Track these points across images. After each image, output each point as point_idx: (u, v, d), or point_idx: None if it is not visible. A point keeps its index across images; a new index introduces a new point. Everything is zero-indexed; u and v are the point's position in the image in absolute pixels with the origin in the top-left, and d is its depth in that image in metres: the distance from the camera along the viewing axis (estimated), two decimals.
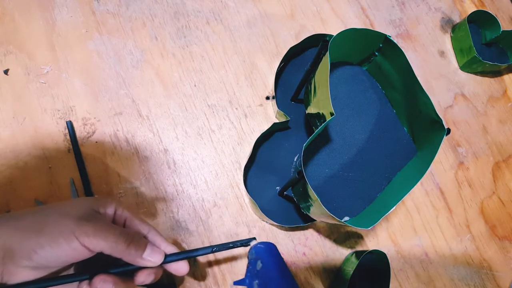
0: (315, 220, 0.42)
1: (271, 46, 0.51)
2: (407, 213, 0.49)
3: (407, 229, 0.48)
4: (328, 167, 0.45)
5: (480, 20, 0.56)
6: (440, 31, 0.57)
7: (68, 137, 0.44)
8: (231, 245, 0.34)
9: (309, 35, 0.44)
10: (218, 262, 0.43)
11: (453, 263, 0.48)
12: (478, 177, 0.52)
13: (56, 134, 0.44)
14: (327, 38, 0.42)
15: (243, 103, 0.49)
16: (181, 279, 0.42)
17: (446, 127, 0.37)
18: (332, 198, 0.44)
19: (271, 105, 0.49)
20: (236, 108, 0.48)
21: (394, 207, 0.37)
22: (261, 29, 0.52)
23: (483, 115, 0.55)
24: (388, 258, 0.41)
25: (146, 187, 0.44)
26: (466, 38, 0.53)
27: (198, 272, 0.42)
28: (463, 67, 0.55)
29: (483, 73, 0.56)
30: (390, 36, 0.41)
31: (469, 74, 0.56)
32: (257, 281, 0.38)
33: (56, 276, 0.28)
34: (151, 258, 0.30)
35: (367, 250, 0.42)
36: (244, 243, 0.34)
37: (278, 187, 0.45)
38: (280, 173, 0.46)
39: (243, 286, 0.40)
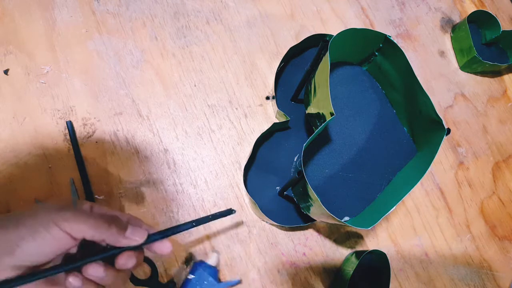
0: (315, 220, 0.42)
1: (271, 46, 0.51)
2: (407, 213, 0.49)
3: (407, 229, 0.48)
4: (328, 167, 0.45)
5: (480, 20, 0.56)
6: (440, 31, 0.57)
7: (68, 137, 0.44)
8: (210, 217, 0.33)
9: (309, 35, 0.44)
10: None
11: (453, 263, 0.48)
12: (478, 177, 0.52)
13: (56, 134, 0.44)
14: (327, 38, 0.42)
15: (243, 103, 0.49)
16: (181, 279, 0.42)
17: (446, 127, 0.37)
18: (332, 198, 0.44)
19: (271, 105, 0.49)
20: (236, 108, 0.48)
21: (394, 207, 0.37)
22: (261, 29, 0.52)
23: (483, 115, 0.55)
24: (388, 258, 0.41)
25: (146, 187, 0.44)
26: (466, 38, 0.53)
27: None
28: (463, 67, 0.55)
29: (483, 73, 0.56)
30: (390, 36, 0.41)
31: (469, 74, 0.56)
32: None
33: (42, 270, 0.26)
34: (134, 236, 0.29)
35: (367, 250, 0.42)
36: (224, 214, 0.33)
37: (278, 187, 0.45)
38: (280, 173, 0.46)
39: None
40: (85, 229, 0.27)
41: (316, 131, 0.37)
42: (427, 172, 0.37)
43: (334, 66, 0.48)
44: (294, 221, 0.44)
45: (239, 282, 0.43)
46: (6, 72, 0.45)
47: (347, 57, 0.47)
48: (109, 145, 0.45)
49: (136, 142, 0.46)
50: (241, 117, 0.48)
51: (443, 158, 0.52)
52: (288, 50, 0.44)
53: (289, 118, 0.45)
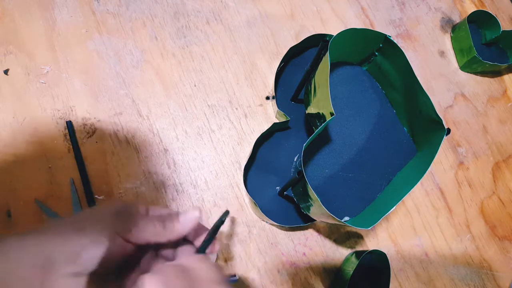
0: (315, 220, 0.42)
1: (271, 46, 0.51)
2: (407, 213, 0.49)
3: (407, 229, 0.48)
4: (328, 167, 0.45)
5: (480, 20, 0.56)
6: (440, 31, 0.57)
7: (68, 137, 0.44)
8: (213, 230, 0.32)
9: (309, 35, 0.44)
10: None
11: (453, 263, 0.48)
12: (478, 177, 0.52)
13: (56, 134, 0.44)
14: (327, 38, 0.42)
15: (243, 103, 0.49)
16: None
17: (446, 127, 0.37)
18: (332, 198, 0.44)
19: (271, 105, 0.49)
20: (236, 108, 0.48)
21: (394, 207, 0.37)
22: (261, 29, 0.52)
23: (483, 115, 0.55)
24: (388, 258, 0.41)
25: (146, 187, 0.44)
26: (466, 38, 0.53)
27: None
28: (463, 67, 0.55)
29: (483, 73, 0.56)
30: (390, 36, 0.41)
31: (469, 74, 0.56)
32: None
33: None
34: (188, 216, 0.29)
35: (367, 250, 0.42)
36: (223, 220, 0.32)
37: (278, 187, 0.45)
38: (280, 173, 0.46)
39: None
40: (149, 237, 0.27)
41: (316, 131, 0.37)
42: (427, 172, 0.37)
43: (334, 66, 0.48)
44: (294, 221, 0.44)
45: (237, 280, 0.43)
46: (6, 72, 0.45)
47: (347, 57, 0.47)
48: (109, 145, 0.45)
49: (136, 142, 0.46)
50: (241, 117, 0.48)
51: (443, 158, 0.52)
52: (288, 50, 0.44)
53: (289, 118, 0.45)
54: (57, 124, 0.45)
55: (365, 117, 0.47)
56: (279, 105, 0.46)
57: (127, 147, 0.45)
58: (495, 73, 0.57)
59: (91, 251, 0.25)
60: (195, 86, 0.48)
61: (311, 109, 0.42)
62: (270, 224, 0.45)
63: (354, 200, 0.44)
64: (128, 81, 0.47)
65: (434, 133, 0.39)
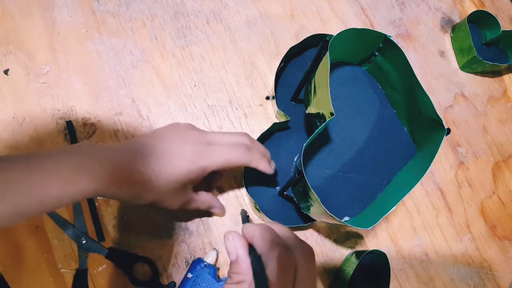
0: (315, 220, 0.42)
1: (271, 46, 0.51)
2: (407, 213, 0.49)
3: (407, 229, 0.48)
4: (328, 167, 0.45)
5: (480, 20, 0.56)
6: (440, 31, 0.57)
7: (68, 137, 0.44)
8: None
9: (309, 35, 0.44)
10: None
11: (453, 263, 0.48)
12: (478, 177, 0.52)
13: (56, 134, 0.44)
14: (327, 38, 0.42)
15: (243, 103, 0.49)
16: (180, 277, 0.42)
17: (446, 127, 0.37)
18: (332, 198, 0.44)
19: (271, 105, 0.49)
20: (236, 108, 0.48)
21: (394, 207, 0.37)
22: (261, 29, 0.52)
23: (483, 115, 0.54)
24: (388, 258, 0.41)
25: None
26: (466, 38, 0.53)
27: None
28: (463, 67, 0.55)
29: (483, 73, 0.56)
30: (390, 36, 0.41)
31: (469, 74, 0.56)
32: None
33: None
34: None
35: (367, 250, 0.42)
36: (246, 218, 0.35)
37: (278, 187, 0.45)
38: (280, 173, 0.46)
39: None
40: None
41: (316, 131, 0.37)
42: (427, 172, 0.37)
43: (334, 66, 0.48)
44: (294, 221, 0.44)
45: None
46: (6, 72, 0.45)
47: (347, 57, 0.47)
48: None
49: None
50: (241, 117, 0.48)
51: (443, 158, 0.52)
52: (288, 50, 0.44)
53: (289, 118, 0.45)
54: (57, 124, 0.45)
55: (365, 117, 0.47)
56: (279, 105, 0.46)
57: None
58: (495, 73, 0.57)
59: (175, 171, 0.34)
60: (195, 86, 0.48)
61: (311, 109, 0.42)
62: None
63: (354, 200, 0.44)
64: (128, 81, 0.47)
65: (434, 133, 0.39)
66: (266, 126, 0.48)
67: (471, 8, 0.58)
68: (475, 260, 0.49)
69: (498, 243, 0.50)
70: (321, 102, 0.38)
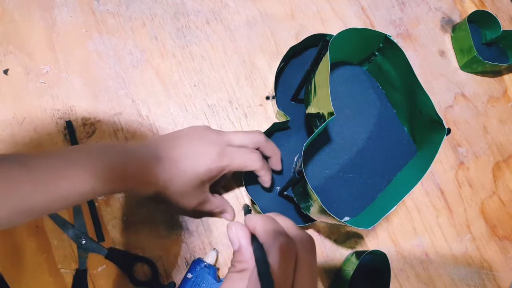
0: (315, 220, 0.42)
1: (271, 46, 0.51)
2: (407, 213, 0.49)
3: (407, 229, 0.48)
4: (328, 167, 0.45)
5: (480, 20, 0.56)
6: (440, 31, 0.57)
7: (68, 137, 0.44)
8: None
9: (309, 35, 0.44)
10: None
11: (453, 263, 0.48)
12: (479, 177, 0.52)
13: (56, 134, 0.44)
14: (327, 38, 0.42)
15: (243, 103, 0.49)
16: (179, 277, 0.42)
17: (446, 127, 0.37)
18: (332, 198, 0.44)
19: (271, 105, 0.49)
20: (236, 108, 0.48)
21: (394, 207, 0.37)
22: (261, 29, 0.52)
23: (483, 115, 0.54)
24: (388, 258, 0.41)
25: None
26: (466, 38, 0.53)
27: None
28: (463, 67, 0.55)
29: (483, 73, 0.56)
30: (390, 36, 0.41)
31: (469, 74, 0.56)
32: None
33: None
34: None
35: (367, 250, 0.42)
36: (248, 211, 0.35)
37: (278, 187, 0.45)
38: (280, 173, 0.45)
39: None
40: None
41: (316, 131, 0.37)
42: (427, 172, 0.37)
43: (334, 66, 0.48)
44: (294, 221, 0.44)
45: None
46: (6, 72, 0.45)
47: (347, 57, 0.47)
48: None
49: None
50: (241, 117, 0.48)
51: (443, 158, 0.52)
52: (288, 50, 0.44)
53: (289, 118, 0.44)
54: (57, 124, 0.45)
55: (365, 117, 0.47)
56: (279, 105, 0.46)
57: None
58: (496, 73, 0.57)
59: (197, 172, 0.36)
60: (195, 86, 0.48)
61: (311, 109, 0.42)
62: None
63: (354, 200, 0.44)
64: (128, 81, 0.47)
65: (434, 133, 0.39)
66: (266, 126, 0.48)
67: (471, 8, 0.58)
68: (475, 260, 0.49)
69: (498, 243, 0.50)
70: (321, 102, 0.38)
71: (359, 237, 0.47)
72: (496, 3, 0.60)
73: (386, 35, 0.41)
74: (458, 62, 0.56)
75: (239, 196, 0.46)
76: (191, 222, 0.44)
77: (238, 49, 0.50)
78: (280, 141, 0.46)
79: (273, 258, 0.23)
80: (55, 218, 0.42)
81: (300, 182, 0.38)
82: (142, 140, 0.46)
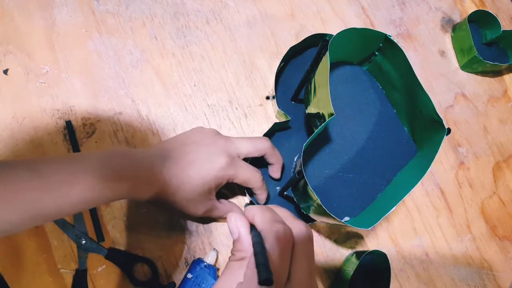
0: (315, 220, 0.42)
1: (271, 46, 0.51)
2: (408, 213, 0.49)
3: (408, 229, 0.48)
4: (328, 167, 0.45)
5: (481, 20, 0.56)
6: (440, 30, 0.57)
7: (67, 137, 0.44)
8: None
9: (309, 35, 0.44)
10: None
11: (453, 263, 0.48)
12: (479, 177, 0.52)
13: (55, 134, 0.44)
14: (327, 38, 0.42)
15: (243, 103, 0.49)
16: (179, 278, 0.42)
17: (446, 127, 0.37)
18: (332, 198, 0.44)
19: (271, 105, 0.49)
20: (236, 108, 0.48)
21: (394, 207, 0.37)
22: (261, 29, 0.51)
23: (483, 115, 0.54)
24: (389, 258, 0.41)
25: None
26: (466, 38, 0.53)
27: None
28: (464, 67, 0.55)
29: (483, 73, 0.56)
30: (390, 36, 0.41)
31: (470, 74, 0.56)
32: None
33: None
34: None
35: (367, 251, 0.42)
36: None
37: (278, 187, 0.45)
38: (280, 173, 0.45)
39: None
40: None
41: (316, 131, 0.37)
42: (427, 172, 0.37)
43: (334, 65, 0.48)
44: None
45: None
46: (5, 72, 0.45)
47: (347, 57, 0.47)
48: (108, 145, 0.45)
49: (136, 142, 0.45)
50: (241, 117, 0.48)
51: (444, 158, 0.52)
52: (288, 50, 0.44)
53: (289, 118, 0.44)
54: (57, 124, 0.45)
55: (365, 117, 0.47)
56: (279, 105, 0.46)
57: (126, 147, 0.45)
58: (496, 73, 0.56)
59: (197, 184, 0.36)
60: (195, 86, 0.48)
61: (311, 109, 0.42)
62: None
63: (354, 200, 0.44)
64: (127, 81, 0.47)
65: (434, 132, 0.39)
66: (266, 126, 0.48)
67: (471, 8, 0.58)
68: (475, 260, 0.49)
69: (498, 243, 0.50)
70: (321, 102, 0.38)
71: (359, 237, 0.47)
72: (496, 3, 0.60)
73: (386, 35, 0.41)
74: (459, 62, 0.56)
75: (239, 197, 0.46)
76: (191, 222, 0.44)
77: (238, 49, 0.50)
78: (281, 141, 0.46)
79: (270, 245, 0.24)
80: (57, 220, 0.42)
81: (300, 182, 0.38)
82: (142, 140, 0.46)
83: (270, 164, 0.43)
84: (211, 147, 0.37)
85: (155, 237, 0.43)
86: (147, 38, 0.49)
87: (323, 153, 0.45)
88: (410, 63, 0.39)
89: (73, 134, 0.44)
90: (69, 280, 0.41)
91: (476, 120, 0.54)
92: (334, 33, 0.39)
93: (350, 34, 0.40)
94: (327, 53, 0.36)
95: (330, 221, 0.37)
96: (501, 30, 0.53)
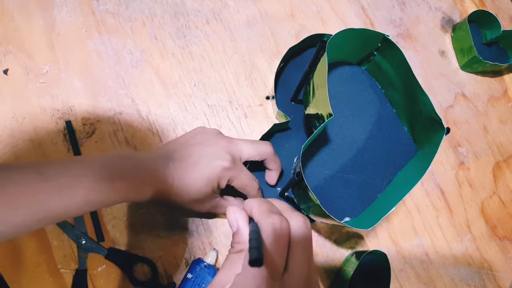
0: (315, 221, 0.42)
1: (271, 46, 0.51)
2: (408, 213, 0.49)
3: (408, 229, 0.48)
4: (328, 167, 0.45)
5: (481, 20, 0.56)
6: (440, 30, 0.57)
7: (67, 137, 0.44)
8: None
9: (308, 35, 0.44)
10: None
11: (453, 263, 0.48)
12: (479, 177, 0.52)
13: (55, 134, 0.44)
14: (325, 39, 0.42)
15: (243, 103, 0.49)
16: (178, 278, 0.42)
17: (445, 126, 0.37)
18: (332, 198, 0.44)
19: (271, 105, 0.49)
20: (236, 108, 0.48)
21: (394, 208, 0.37)
22: (261, 28, 0.51)
23: (483, 115, 0.54)
24: (389, 258, 0.41)
25: None
26: (466, 38, 0.53)
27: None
28: (464, 67, 0.55)
29: (483, 73, 0.56)
30: (388, 36, 0.41)
31: (470, 74, 0.56)
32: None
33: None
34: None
35: (367, 251, 0.42)
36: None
37: (278, 188, 0.45)
38: (281, 174, 0.45)
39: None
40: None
41: (315, 132, 0.37)
42: (427, 172, 0.37)
43: (333, 66, 0.48)
44: None
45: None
46: (5, 72, 0.45)
47: (346, 57, 0.47)
48: (108, 145, 0.45)
49: (136, 142, 0.45)
50: (241, 117, 0.48)
51: (444, 158, 0.52)
52: (288, 51, 0.44)
53: (289, 119, 0.44)
54: (57, 124, 0.45)
55: (365, 117, 0.47)
56: (279, 106, 0.46)
57: (126, 147, 0.45)
58: (496, 73, 0.56)
59: (193, 189, 0.36)
60: (195, 86, 0.48)
61: (310, 110, 0.42)
62: None
63: (355, 201, 0.44)
64: (127, 81, 0.47)
65: (434, 132, 0.39)
66: (266, 126, 0.48)
67: (471, 8, 0.58)
68: (475, 260, 0.49)
69: (498, 243, 0.50)
70: (320, 103, 0.38)
71: (359, 237, 0.47)
72: (496, 3, 0.60)
73: (384, 34, 0.41)
74: (459, 62, 0.56)
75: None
76: (191, 223, 0.44)
77: (238, 49, 0.50)
78: (281, 142, 0.46)
79: (266, 233, 0.24)
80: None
81: (299, 183, 0.38)
82: (142, 140, 0.46)
83: (268, 169, 0.43)
84: (214, 147, 0.37)
85: (155, 237, 0.43)
86: (147, 38, 0.49)
87: (322, 153, 0.45)
88: (409, 63, 0.39)
89: (73, 134, 0.44)
90: (69, 280, 0.41)
91: (476, 120, 0.54)
92: (334, 33, 0.39)
93: (348, 34, 0.40)
94: (325, 54, 0.36)
95: (330, 222, 0.37)
96: (501, 30, 0.53)
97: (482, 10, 0.54)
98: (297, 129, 0.47)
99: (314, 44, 0.47)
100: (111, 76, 0.47)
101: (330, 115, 0.35)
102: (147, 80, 0.48)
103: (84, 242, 0.41)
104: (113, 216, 0.43)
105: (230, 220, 0.27)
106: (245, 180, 0.38)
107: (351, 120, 0.47)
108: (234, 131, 0.48)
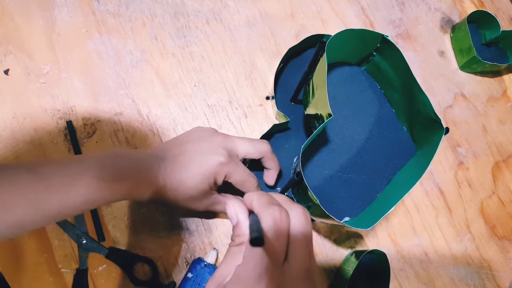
0: (315, 220, 0.42)
1: (271, 46, 0.51)
2: (407, 213, 0.49)
3: (407, 229, 0.48)
4: (327, 167, 0.45)
5: (480, 20, 0.56)
6: (440, 31, 0.57)
7: (68, 137, 0.44)
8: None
9: (308, 35, 0.44)
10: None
11: (453, 263, 0.48)
12: (478, 177, 0.52)
13: (56, 134, 0.44)
14: (324, 39, 0.42)
15: (243, 103, 0.49)
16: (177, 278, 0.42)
17: (445, 126, 0.37)
18: (331, 198, 0.44)
19: (271, 105, 0.49)
20: (236, 108, 0.48)
21: (393, 207, 0.37)
22: (261, 29, 0.52)
23: (483, 115, 0.55)
24: (388, 258, 0.41)
25: None
26: (465, 38, 0.53)
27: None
28: (463, 67, 0.55)
29: (482, 73, 0.56)
30: (387, 36, 0.41)
31: (469, 74, 0.56)
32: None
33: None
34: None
35: (367, 250, 0.43)
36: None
37: (278, 188, 0.45)
38: (281, 174, 0.46)
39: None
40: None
41: (315, 132, 0.37)
42: (426, 171, 0.37)
43: (332, 66, 0.48)
44: None
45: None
46: (6, 72, 0.45)
47: (345, 57, 0.47)
48: (109, 145, 0.45)
49: (136, 142, 0.46)
50: (241, 117, 0.48)
51: (443, 158, 0.52)
52: (287, 51, 0.44)
53: (289, 119, 0.45)
54: (57, 124, 0.45)
55: (364, 117, 0.47)
56: (278, 106, 0.46)
57: (127, 147, 0.45)
58: (495, 73, 0.57)
59: (188, 186, 0.36)
60: (195, 86, 0.48)
61: (310, 110, 0.42)
62: None
63: (354, 200, 0.44)
64: (128, 81, 0.47)
65: (433, 132, 0.39)
66: (266, 126, 0.48)
67: (471, 8, 0.58)
68: (475, 260, 0.49)
69: (498, 243, 0.50)
70: (319, 103, 0.38)
71: (358, 237, 0.47)
72: (495, 3, 0.60)
73: (383, 35, 0.41)
74: (458, 62, 0.56)
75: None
76: (191, 222, 0.44)
77: (238, 49, 0.50)
78: (280, 142, 0.46)
79: (266, 225, 0.24)
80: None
81: (299, 183, 0.38)
82: (142, 140, 0.46)
83: (266, 169, 0.43)
84: (210, 143, 0.37)
85: (155, 236, 0.43)
86: (147, 38, 0.49)
87: (322, 153, 0.45)
88: (409, 63, 0.39)
89: (74, 134, 0.44)
90: (69, 279, 0.41)
91: (475, 120, 0.54)
92: (334, 34, 0.39)
93: (347, 35, 0.40)
94: (324, 54, 0.36)
95: (330, 221, 0.37)
96: (500, 30, 0.54)
97: (481, 10, 0.54)
98: (297, 129, 0.47)
99: (314, 45, 0.48)
100: (111, 76, 0.47)
101: (330, 115, 0.35)
102: (147, 80, 0.48)
103: (84, 241, 0.41)
104: (114, 216, 0.43)
105: (230, 214, 0.27)
106: (243, 175, 0.38)
107: (351, 120, 0.47)
108: (234, 131, 0.48)
